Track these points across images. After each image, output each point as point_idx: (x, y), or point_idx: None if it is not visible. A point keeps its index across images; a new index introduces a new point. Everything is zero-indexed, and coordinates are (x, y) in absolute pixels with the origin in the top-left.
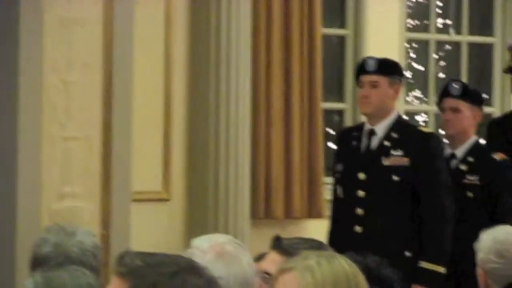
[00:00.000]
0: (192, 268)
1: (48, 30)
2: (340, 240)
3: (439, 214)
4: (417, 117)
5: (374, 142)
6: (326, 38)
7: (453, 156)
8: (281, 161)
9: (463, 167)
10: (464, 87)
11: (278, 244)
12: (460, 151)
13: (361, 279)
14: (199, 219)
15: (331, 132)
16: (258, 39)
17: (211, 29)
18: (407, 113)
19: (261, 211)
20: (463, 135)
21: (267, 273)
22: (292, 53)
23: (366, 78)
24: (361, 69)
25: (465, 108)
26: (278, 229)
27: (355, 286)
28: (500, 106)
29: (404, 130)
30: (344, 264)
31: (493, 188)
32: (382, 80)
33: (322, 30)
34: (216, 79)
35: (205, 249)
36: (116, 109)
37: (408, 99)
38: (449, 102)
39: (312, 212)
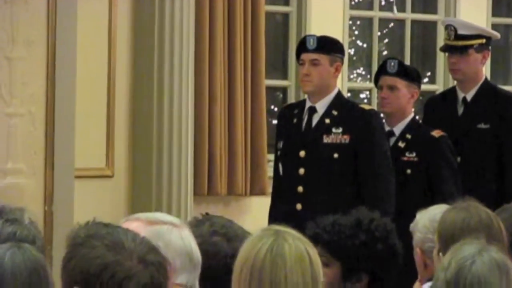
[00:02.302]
0: None
1: None
2: (280, 217)
3: (381, 190)
4: (361, 95)
5: (315, 120)
6: (270, 15)
7: (391, 133)
8: (225, 138)
9: (401, 144)
10: (401, 65)
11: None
12: (397, 129)
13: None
14: (142, 196)
15: (275, 109)
16: (201, 16)
17: (156, 4)
18: (350, 90)
19: (204, 188)
20: (401, 113)
21: None
22: (236, 30)
23: (306, 56)
24: (301, 47)
25: (402, 86)
26: (221, 206)
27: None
28: (444, 83)
29: (344, 107)
30: (265, 245)
31: (431, 165)
32: (323, 58)
33: (265, 7)
34: (159, 55)
35: (179, 224)
36: (59, 85)
37: (352, 76)
38: (386, 80)
39: (255, 189)
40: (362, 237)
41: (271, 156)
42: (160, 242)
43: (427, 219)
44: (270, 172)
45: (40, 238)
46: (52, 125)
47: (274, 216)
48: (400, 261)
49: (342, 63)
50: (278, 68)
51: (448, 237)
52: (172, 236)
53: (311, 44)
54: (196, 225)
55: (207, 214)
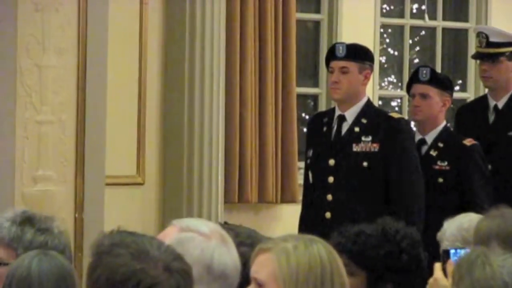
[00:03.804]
0: None
1: (23, 15)
2: (310, 225)
3: (411, 200)
4: (392, 103)
5: (344, 128)
6: (301, 23)
7: (423, 142)
8: (255, 146)
9: (433, 153)
10: (433, 73)
11: None
12: (430, 137)
13: (338, 266)
14: (173, 204)
15: (306, 117)
16: (232, 23)
17: (186, 12)
18: (381, 98)
19: (235, 196)
20: (433, 121)
21: None
22: (267, 38)
23: (336, 64)
24: (331, 54)
25: (434, 94)
26: (252, 214)
27: (330, 273)
28: (475, 91)
29: (373, 115)
30: (321, 250)
31: (463, 173)
32: (352, 66)
33: (296, 15)
34: (190, 63)
35: (207, 234)
36: (90, 93)
37: (383, 84)
38: (418, 88)
39: (286, 197)
40: (387, 248)
41: (302, 164)
42: (178, 249)
43: (455, 228)
44: (300, 179)
45: (70, 248)
46: (83, 132)
47: (305, 224)
48: (425, 271)
49: (372, 71)
50: (309, 75)
51: (484, 245)
52: (192, 245)
53: (341, 51)
54: None
55: (226, 223)
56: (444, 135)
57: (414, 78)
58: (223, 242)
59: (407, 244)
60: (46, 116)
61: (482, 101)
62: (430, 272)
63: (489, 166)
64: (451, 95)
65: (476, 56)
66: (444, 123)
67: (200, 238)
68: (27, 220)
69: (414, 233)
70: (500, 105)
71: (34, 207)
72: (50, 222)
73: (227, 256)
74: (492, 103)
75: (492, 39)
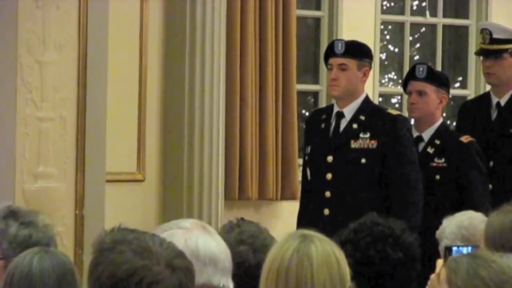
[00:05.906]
0: None
1: (23, 11)
2: (308, 222)
3: (408, 196)
4: (392, 100)
5: (343, 125)
6: (301, 19)
7: (419, 139)
8: (256, 143)
9: (430, 150)
10: (430, 70)
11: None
12: (426, 134)
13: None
14: (173, 200)
15: (306, 113)
16: (233, 20)
17: (187, 8)
18: (382, 95)
19: (235, 193)
20: (430, 118)
21: None
22: (267, 35)
23: (334, 61)
24: (329, 51)
25: (431, 91)
26: (252, 211)
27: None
28: (475, 88)
29: (372, 112)
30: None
31: (460, 170)
32: (351, 63)
33: (297, 12)
34: (191, 59)
35: (188, 226)
36: (90, 90)
37: (383, 81)
38: (415, 85)
39: (286, 194)
40: (379, 246)
41: (302, 161)
42: None
43: (455, 226)
44: (301, 176)
45: (55, 241)
46: (83, 129)
47: (303, 221)
48: (418, 265)
49: (370, 67)
50: (310, 72)
51: (497, 240)
52: (175, 239)
53: (339, 48)
54: (226, 231)
55: (242, 219)
56: (441, 132)
57: (411, 75)
58: (205, 230)
59: (397, 239)
60: (46, 113)
61: (484, 98)
62: (425, 269)
63: (491, 163)
64: (448, 92)
65: (480, 52)
66: (441, 120)
67: (181, 231)
68: (11, 214)
69: (404, 228)
70: (503, 102)
71: (34, 204)
72: (34, 216)
73: (212, 241)
74: (494, 100)
75: (496, 35)
